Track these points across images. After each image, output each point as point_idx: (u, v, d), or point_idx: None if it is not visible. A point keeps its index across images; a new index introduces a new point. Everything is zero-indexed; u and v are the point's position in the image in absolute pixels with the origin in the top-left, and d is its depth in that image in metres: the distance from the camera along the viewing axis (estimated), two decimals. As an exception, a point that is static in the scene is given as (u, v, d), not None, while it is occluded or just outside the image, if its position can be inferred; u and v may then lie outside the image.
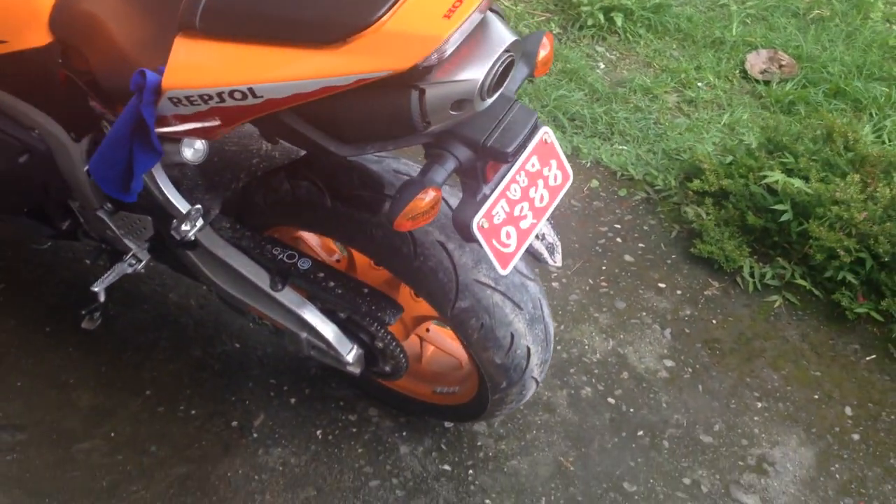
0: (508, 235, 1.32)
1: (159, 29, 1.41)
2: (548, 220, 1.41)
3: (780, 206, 2.34)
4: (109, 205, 1.78)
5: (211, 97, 1.21)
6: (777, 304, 2.31)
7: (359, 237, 1.53)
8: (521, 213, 1.34)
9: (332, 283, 1.62)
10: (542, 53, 1.30)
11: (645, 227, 2.54)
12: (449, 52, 1.11)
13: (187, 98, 1.23)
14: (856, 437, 2.01)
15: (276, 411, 1.99)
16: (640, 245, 2.48)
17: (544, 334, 1.63)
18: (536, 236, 1.48)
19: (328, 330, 1.68)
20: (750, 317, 2.28)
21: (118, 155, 1.35)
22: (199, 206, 1.52)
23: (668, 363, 2.14)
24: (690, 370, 2.13)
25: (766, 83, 3.30)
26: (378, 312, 1.59)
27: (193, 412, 1.98)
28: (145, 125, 1.27)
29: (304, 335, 1.70)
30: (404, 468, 1.90)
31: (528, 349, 1.60)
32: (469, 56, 1.14)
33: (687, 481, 1.90)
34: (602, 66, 3.39)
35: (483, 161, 1.26)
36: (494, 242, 1.30)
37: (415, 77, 1.12)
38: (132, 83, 1.25)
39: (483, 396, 1.71)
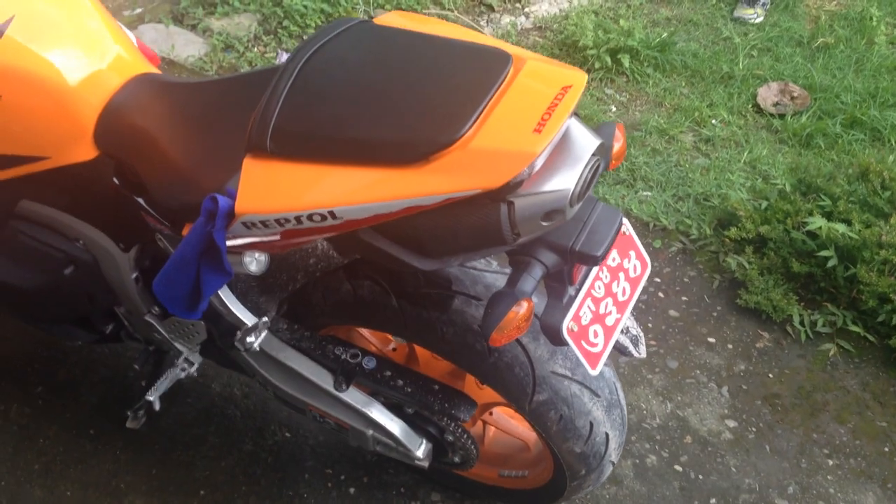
0: (596, 334, 1.28)
1: (216, 145, 1.38)
2: (630, 312, 1.37)
3: (825, 253, 2.32)
4: (157, 308, 1.74)
5: (288, 220, 1.17)
6: (832, 352, 2.27)
7: (429, 336, 1.49)
8: (606, 311, 1.30)
9: (400, 382, 1.58)
10: (616, 146, 1.27)
11: (685, 280, 2.50)
12: (539, 165, 1.08)
13: (262, 222, 1.19)
14: (932, 490, 1.98)
15: (337, 504, 1.94)
16: (683, 298, 2.44)
17: (620, 418, 1.58)
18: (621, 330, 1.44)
19: (396, 427, 1.63)
20: (806, 368, 2.24)
21: (184, 277, 1.31)
22: (265, 318, 1.47)
23: (731, 423, 2.10)
24: (755, 430, 2.09)
25: (781, 116, 3.29)
26: (452, 410, 1.54)
27: (252, 512, 1.93)
28: (216, 248, 1.23)
29: (370, 432, 1.65)
30: (476, 557, 1.85)
31: (607, 435, 1.55)
32: (556, 164, 1.10)
33: (768, 551, 1.86)
34: (614, 108, 3.38)
35: (570, 264, 1.22)
36: (584, 343, 1.26)
37: (503, 191, 1.08)
38: (203, 209, 1.21)
39: (559, 483, 1.66)
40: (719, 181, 2.85)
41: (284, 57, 3.67)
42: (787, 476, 1.99)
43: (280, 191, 1.16)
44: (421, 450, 1.65)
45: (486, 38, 1.25)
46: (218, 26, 3.52)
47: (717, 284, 2.48)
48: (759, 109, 3.35)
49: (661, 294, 2.45)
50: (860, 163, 2.55)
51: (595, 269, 1.28)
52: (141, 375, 2.18)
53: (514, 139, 1.05)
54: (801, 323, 2.33)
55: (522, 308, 1.15)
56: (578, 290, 1.25)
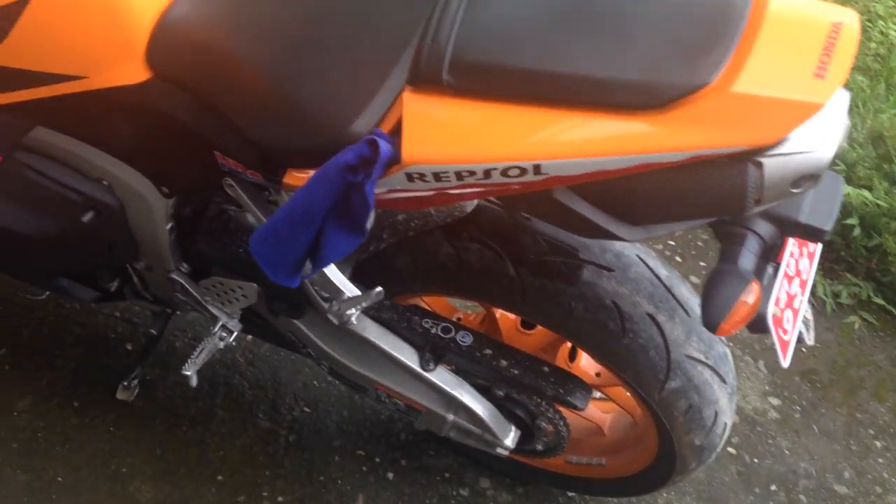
0: (788, 320, 1.12)
1: (333, 69, 1.10)
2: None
3: (850, 221, 2.26)
4: (185, 265, 1.46)
5: (473, 173, 0.93)
6: (856, 325, 2.22)
7: (553, 312, 1.28)
8: (794, 291, 1.14)
9: (503, 362, 1.37)
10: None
11: (699, 243, 2.38)
12: (809, 120, 0.89)
13: (435, 174, 0.95)
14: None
15: (376, 490, 1.72)
16: (702, 264, 2.32)
17: (735, 404, 1.44)
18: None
19: (485, 411, 1.43)
20: (836, 342, 2.17)
21: (302, 235, 1.04)
22: (379, 289, 1.22)
23: (775, 401, 2.01)
24: (799, 408, 2.00)
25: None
26: (567, 396, 1.36)
27: (280, 500, 1.68)
28: (360, 203, 0.98)
29: (451, 417, 1.45)
30: (537, 548, 1.69)
31: (726, 425, 1.41)
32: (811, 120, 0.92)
33: (836, 537, 1.79)
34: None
35: (782, 239, 1.05)
36: (779, 331, 1.09)
37: (760, 149, 0.89)
38: (354, 155, 0.95)
39: (659, 475, 1.51)
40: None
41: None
42: (841, 459, 1.92)
43: (468, 136, 0.93)
44: (510, 438, 1.46)
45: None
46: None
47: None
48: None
49: (678, 259, 2.33)
50: (872, 127, 2.48)
51: (790, 245, 1.11)
52: (126, 338, 1.88)
53: (791, 84, 0.85)
54: (825, 294, 2.26)
55: (753, 293, 0.97)
56: (776, 269, 1.08)
